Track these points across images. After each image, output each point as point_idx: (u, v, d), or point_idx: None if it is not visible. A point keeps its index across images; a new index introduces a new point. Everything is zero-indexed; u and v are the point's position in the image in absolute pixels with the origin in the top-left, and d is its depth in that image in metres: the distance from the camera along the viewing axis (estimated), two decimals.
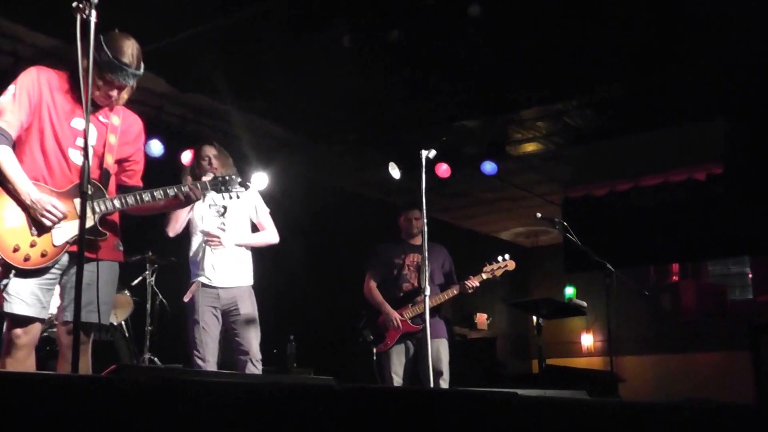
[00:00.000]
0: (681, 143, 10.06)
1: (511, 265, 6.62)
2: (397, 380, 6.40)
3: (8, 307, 3.63)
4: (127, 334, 7.35)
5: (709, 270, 14.59)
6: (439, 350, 6.43)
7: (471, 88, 8.74)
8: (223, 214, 5.56)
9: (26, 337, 3.70)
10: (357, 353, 11.20)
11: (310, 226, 9.92)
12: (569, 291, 14.22)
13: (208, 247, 5.44)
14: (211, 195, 5.28)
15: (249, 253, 5.67)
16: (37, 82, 3.77)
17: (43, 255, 3.67)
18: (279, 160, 9.32)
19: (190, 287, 5.46)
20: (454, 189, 11.67)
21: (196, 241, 5.54)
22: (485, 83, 8.58)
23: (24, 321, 3.67)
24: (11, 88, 3.71)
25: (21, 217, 3.66)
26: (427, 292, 5.21)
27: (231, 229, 5.55)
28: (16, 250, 3.61)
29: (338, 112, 9.37)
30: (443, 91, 8.81)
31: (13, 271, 3.62)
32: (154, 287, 8.06)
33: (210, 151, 5.55)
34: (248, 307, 5.51)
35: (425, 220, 5.31)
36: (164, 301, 8.10)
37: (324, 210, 10.55)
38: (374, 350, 6.48)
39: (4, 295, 3.63)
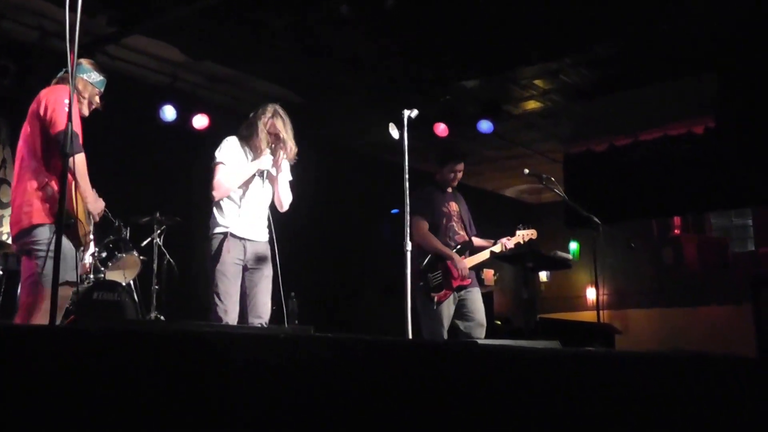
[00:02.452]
0: (679, 97, 10.03)
1: (534, 234, 6.62)
2: (443, 331, 6.22)
3: (71, 276, 4.45)
4: (134, 294, 7.50)
5: (712, 223, 14.59)
6: (478, 300, 6.41)
7: (468, 48, 8.78)
8: (262, 174, 5.59)
9: None
10: (359, 311, 11.41)
11: (315, 185, 10.04)
12: (573, 246, 14.28)
13: (238, 200, 5.44)
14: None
15: (268, 212, 5.70)
16: (75, 102, 4.56)
17: (89, 242, 4.75)
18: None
19: (214, 239, 5.40)
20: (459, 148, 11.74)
21: (232, 195, 5.48)
22: (482, 43, 8.61)
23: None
24: (68, 103, 4.18)
25: (84, 211, 4.65)
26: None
27: (264, 190, 5.60)
28: (84, 235, 4.63)
29: (341, 75, 9.46)
30: (441, 51, 8.86)
31: (81, 248, 4.65)
32: (162, 247, 8.22)
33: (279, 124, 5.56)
34: (268, 267, 5.49)
35: (407, 175, 5.33)
36: (171, 261, 8.26)
37: (329, 169, 10.65)
38: (435, 298, 6.23)
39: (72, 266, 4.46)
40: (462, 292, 6.37)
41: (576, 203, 6.84)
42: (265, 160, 5.46)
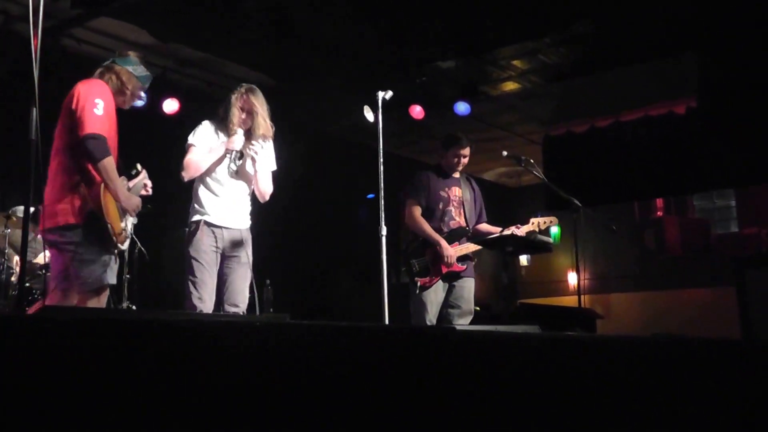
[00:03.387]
0: (660, 77, 10.08)
1: (555, 221, 6.69)
2: (430, 317, 6.29)
3: (106, 279, 4.60)
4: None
5: (694, 205, 14.69)
6: (471, 290, 6.49)
7: (444, 28, 8.78)
8: (239, 159, 5.56)
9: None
10: (335, 298, 11.43)
11: (289, 170, 10.02)
12: (554, 230, 14.34)
13: (214, 187, 5.44)
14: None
15: (248, 198, 5.67)
16: (111, 98, 4.81)
17: (124, 239, 4.84)
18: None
19: (190, 227, 5.43)
20: (434, 131, 11.75)
21: (204, 182, 5.49)
22: (458, 23, 8.62)
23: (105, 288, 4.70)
24: (99, 102, 4.62)
25: (116, 210, 4.72)
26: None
27: (243, 175, 5.57)
28: (118, 234, 4.68)
29: (315, 57, 9.44)
30: (417, 32, 8.87)
31: (115, 250, 4.70)
32: (133, 236, 8.17)
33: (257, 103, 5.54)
34: (249, 255, 5.50)
35: (381, 158, 5.37)
36: (143, 249, 8.21)
37: (303, 154, 10.63)
38: (418, 282, 6.29)
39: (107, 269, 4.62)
40: (456, 281, 6.43)
41: (556, 186, 6.87)
42: (237, 140, 5.46)
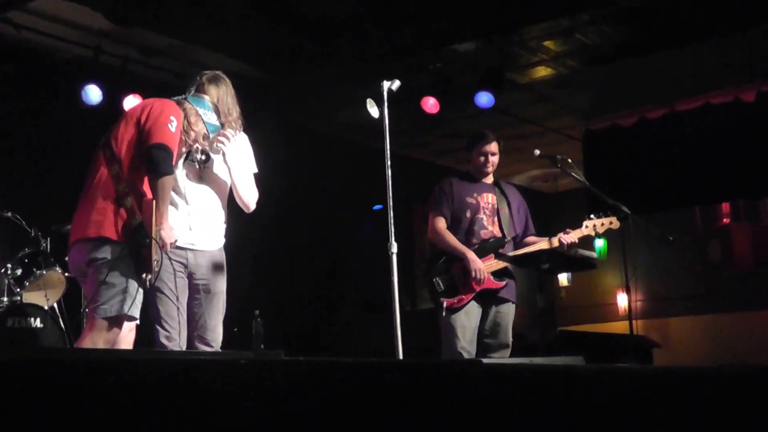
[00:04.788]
0: (723, 58, 10.06)
1: (616, 224, 6.64)
2: (462, 344, 6.28)
3: (124, 309, 4.72)
4: (60, 320, 7.44)
5: None
6: (510, 317, 6.53)
7: (461, 3, 8.78)
8: (204, 162, 5.52)
9: None
10: (338, 331, 11.40)
11: (279, 177, 10.03)
12: (599, 243, 14.29)
13: (174, 198, 5.36)
14: None
15: (223, 211, 5.58)
16: (180, 125, 5.03)
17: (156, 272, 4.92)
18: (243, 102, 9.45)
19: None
20: (453, 128, 11.76)
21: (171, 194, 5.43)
22: None
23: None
24: (174, 120, 4.89)
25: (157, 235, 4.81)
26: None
27: (212, 182, 5.54)
28: (156, 261, 4.78)
29: (307, 42, 9.45)
30: (428, 9, 8.86)
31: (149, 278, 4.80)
32: None
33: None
34: (222, 282, 5.48)
35: (389, 161, 5.37)
36: None
37: (296, 158, 10.65)
38: (444, 304, 6.30)
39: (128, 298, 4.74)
40: (492, 305, 6.46)
41: (600, 189, 6.85)
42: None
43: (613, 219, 6.62)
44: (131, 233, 4.70)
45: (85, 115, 9.44)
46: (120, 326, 4.76)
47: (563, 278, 15.61)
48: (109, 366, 2.10)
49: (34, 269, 7.45)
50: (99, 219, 4.73)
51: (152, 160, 4.75)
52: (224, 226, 5.57)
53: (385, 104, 5.48)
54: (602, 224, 6.56)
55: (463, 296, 6.36)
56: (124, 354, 3.82)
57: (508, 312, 6.52)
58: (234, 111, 5.49)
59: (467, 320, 6.36)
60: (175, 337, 5.22)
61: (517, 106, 11.76)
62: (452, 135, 12.02)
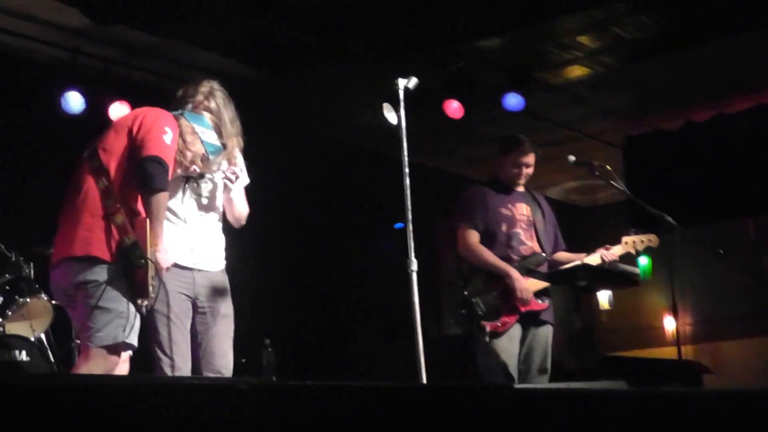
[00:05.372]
0: None
1: (655, 241, 6.64)
2: (508, 371, 6.23)
3: (121, 336, 4.66)
4: (49, 351, 7.41)
5: None
6: (550, 341, 6.50)
7: None
8: (207, 186, 5.49)
9: None
10: (356, 360, 11.35)
11: (285, 191, 10.00)
12: (643, 261, 14.18)
13: (173, 219, 5.35)
14: None
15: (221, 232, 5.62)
16: (177, 138, 4.99)
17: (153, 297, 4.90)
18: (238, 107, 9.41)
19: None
20: (477, 134, 11.71)
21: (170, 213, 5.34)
22: None
23: None
24: (169, 131, 4.85)
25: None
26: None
27: (211, 201, 5.52)
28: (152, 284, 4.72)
29: (310, 36, 9.42)
30: (448, 1, 8.84)
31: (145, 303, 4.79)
32: None
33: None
34: (228, 304, 5.48)
35: (407, 169, 5.31)
36: None
37: (303, 169, 10.59)
38: (486, 328, 6.21)
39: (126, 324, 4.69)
40: (531, 327, 6.40)
41: (643, 200, 6.81)
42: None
43: (652, 236, 6.61)
44: (124, 253, 4.63)
45: (66, 124, 9.35)
46: (118, 354, 4.70)
47: (604, 300, 15.46)
48: (111, 391, 2.07)
49: (17, 297, 7.41)
50: (86, 236, 4.67)
51: (145, 173, 4.69)
52: (224, 245, 5.57)
53: (402, 105, 5.41)
54: (641, 241, 6.55)
55: (507, 319, 6.30)
56: (120, 379, 3.78)
57: (547, 335, 6.48)
58: (235, 127, 5.46)
59: (510, 345, 6.33)
60: (180, 366, 5.19)
61: (550, 110, 11.69)
62: (478, 142, 11.95)
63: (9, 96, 8.61)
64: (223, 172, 5.42)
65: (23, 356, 7.03)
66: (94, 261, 4.63)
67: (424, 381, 4.84)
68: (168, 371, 5.16)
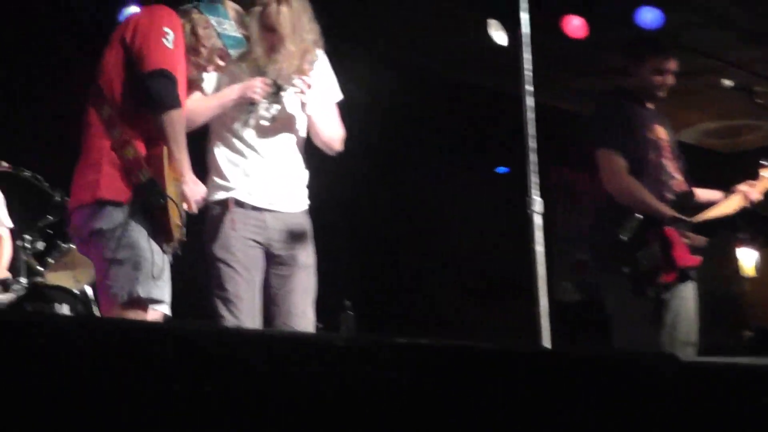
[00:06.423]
0: None
1: None
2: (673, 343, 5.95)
3: (137, 290, 4.64)
4: (92, 306, 7.46)
5: None
6: (697, 305, 6.17)
7: None
8: (273, 100, 5.29)
9: None
10: (455, 327, 11.30)
11: (370, 128, 9.92)
12: None
13: (248, 145, 5.30)
14: None
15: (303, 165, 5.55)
16: (182, 36, 4.97)
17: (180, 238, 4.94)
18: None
19: (211, 210, 5.29)
20: (599, 62, 11.52)
21: (222, 140, 5.37)
22: None
23: None
24: (168, 32, 4.73)
25: (177, 192, 4.82)
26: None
27: (287, 122, 5.41)
28: (178, 227, 4.81)
29: None
30: None
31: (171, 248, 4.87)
32: None
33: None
34: (309, 253, 5.43)
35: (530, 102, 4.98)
36: None
37: (392, 102, 10.51)
38: (660, 290, 5.89)
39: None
40: (677, 287, 6.01)
41: None
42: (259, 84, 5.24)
43: None
44: (139, 191, 4.59)
45: None
46: (141, 311, 4.67)
47: (749, 261, 15.07)
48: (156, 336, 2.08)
49: (60, 243, 7.47)
50: (94, 178, 4.64)
51: (150, 92, 4.64)
52: (306, 180, 5.50)
53: (523, 20, 5.05)
54: None
55: (668, 275, 5.94)
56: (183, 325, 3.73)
57: (692, 297, 6.12)
58: (310, 30, 5.31)
59: (672, 310, 5.98)
60: (243, 322, 5.14)
61: (686, 30, 11.43)
62: (597, 72, 11.77)
63: (58, 15, 8.64)
64: (293, 84, 5.26)
65: (65, 310, 7.07)
66: (104, 204, 4.60)
67: (547, 341, 4.69)
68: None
